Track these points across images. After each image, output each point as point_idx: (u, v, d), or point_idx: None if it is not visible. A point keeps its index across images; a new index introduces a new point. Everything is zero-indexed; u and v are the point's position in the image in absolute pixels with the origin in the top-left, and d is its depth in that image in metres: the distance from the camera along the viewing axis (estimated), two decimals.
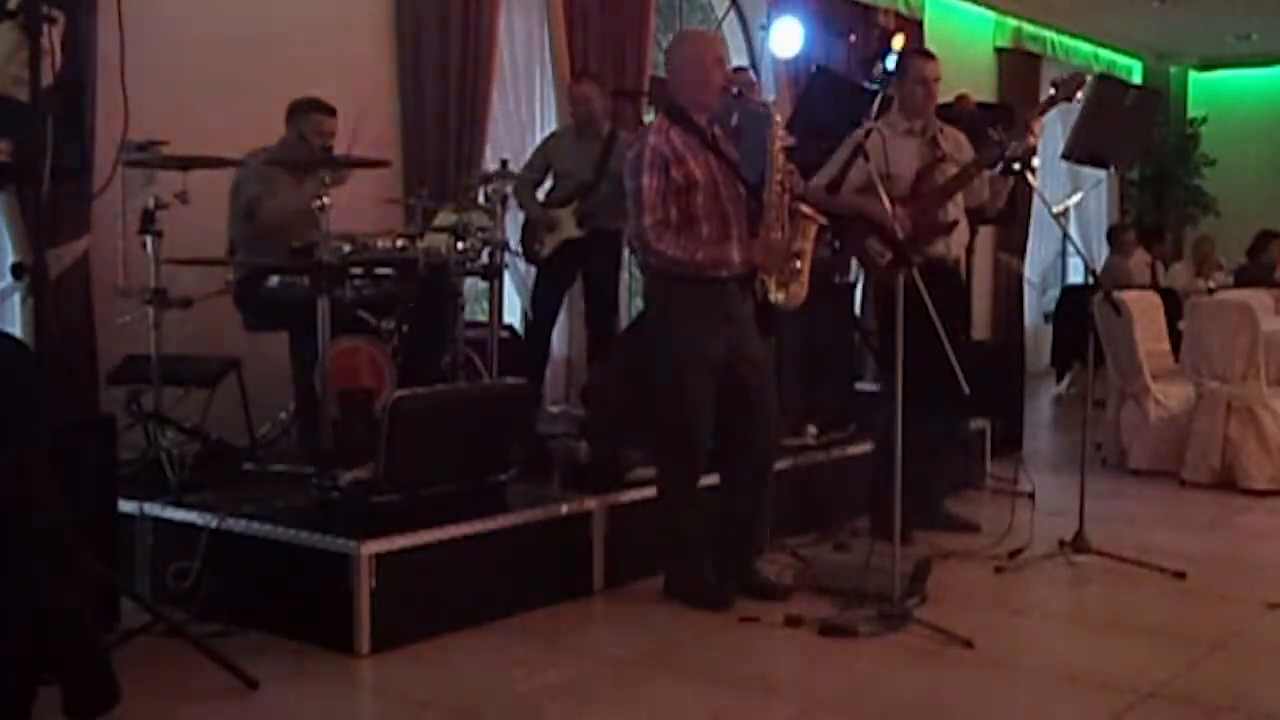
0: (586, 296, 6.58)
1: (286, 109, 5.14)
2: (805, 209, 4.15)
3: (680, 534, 4.26)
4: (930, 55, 5.16)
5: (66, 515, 2.93)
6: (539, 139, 6.77)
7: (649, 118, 6.82)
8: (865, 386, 6.55)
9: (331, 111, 5.10)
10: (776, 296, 4.16)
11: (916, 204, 4.91)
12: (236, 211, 5.02)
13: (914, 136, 5.02)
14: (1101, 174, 8.77)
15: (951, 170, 4.98)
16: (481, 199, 5.38)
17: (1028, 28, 11.60)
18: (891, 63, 6.41)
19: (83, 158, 4.34)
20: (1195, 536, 5.41)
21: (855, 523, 5.13)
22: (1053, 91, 4.93)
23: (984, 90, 10.19)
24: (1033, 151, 4.94)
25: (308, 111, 5.08)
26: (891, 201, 4.38)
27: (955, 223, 5.03)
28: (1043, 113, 5.05)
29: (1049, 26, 11.85)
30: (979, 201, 5.18)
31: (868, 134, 4.41)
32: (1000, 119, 5.54)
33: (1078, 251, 5.70)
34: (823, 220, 4.22)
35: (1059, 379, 10.40)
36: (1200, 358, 6.49)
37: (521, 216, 6.28)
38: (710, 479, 4.32)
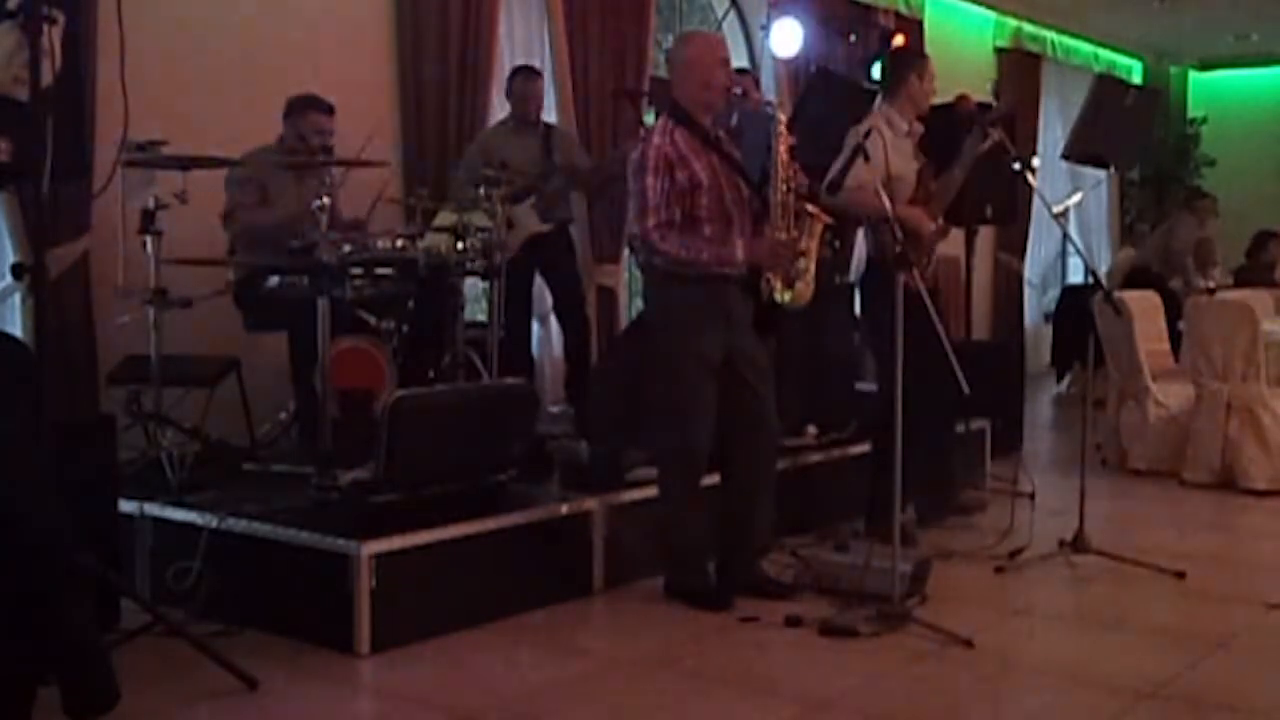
0: (554, 294, 6.54)
1: (284, 107, 5.14)
2: (811, 207, 4.15)
3: (681, 534, 4.27)
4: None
5: (66, 515, 2.93)
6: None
7: (649, 118, 6.81)
8: (865, 386, 6.54)
9: (329, 109, 5.10)
10: (783, 296, 4.15)
11: (926, 207, 4.93)
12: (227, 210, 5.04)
13: (909, 138, 5.03)
14: (1101, 174, 8.77)
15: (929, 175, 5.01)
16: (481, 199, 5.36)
17: (1028, 28, 11.59)
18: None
19: (83, 158, 4.35)
20: (1195, 536, 5.41)
21: (855, 523, 5.13)
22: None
23: (984, 90, 10.17)
24: (1032, 152, 4.95)
25: (304, 110, 5.08)
26: (892, 203, 4.38)
27: (950, 226, 5.07)
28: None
29: (1049, 26, 11.84)
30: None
31: (867, 134, 4.40)
32: (1000, 120, 5.53)
33: (1078, 251, 5.69)
34: (829, 219, 4.21)
35: (1059, 379, 10.39)
36: (1200, 358, 6.49)
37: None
38: (711, 479, 4.32)
